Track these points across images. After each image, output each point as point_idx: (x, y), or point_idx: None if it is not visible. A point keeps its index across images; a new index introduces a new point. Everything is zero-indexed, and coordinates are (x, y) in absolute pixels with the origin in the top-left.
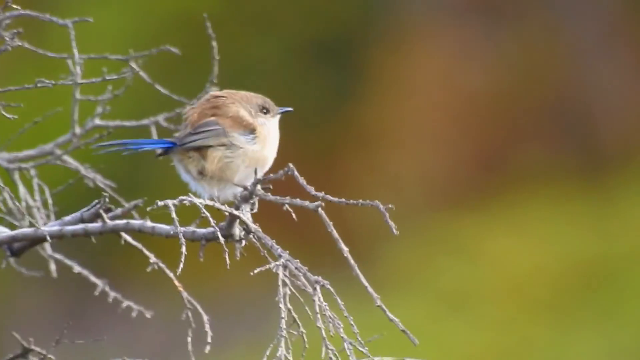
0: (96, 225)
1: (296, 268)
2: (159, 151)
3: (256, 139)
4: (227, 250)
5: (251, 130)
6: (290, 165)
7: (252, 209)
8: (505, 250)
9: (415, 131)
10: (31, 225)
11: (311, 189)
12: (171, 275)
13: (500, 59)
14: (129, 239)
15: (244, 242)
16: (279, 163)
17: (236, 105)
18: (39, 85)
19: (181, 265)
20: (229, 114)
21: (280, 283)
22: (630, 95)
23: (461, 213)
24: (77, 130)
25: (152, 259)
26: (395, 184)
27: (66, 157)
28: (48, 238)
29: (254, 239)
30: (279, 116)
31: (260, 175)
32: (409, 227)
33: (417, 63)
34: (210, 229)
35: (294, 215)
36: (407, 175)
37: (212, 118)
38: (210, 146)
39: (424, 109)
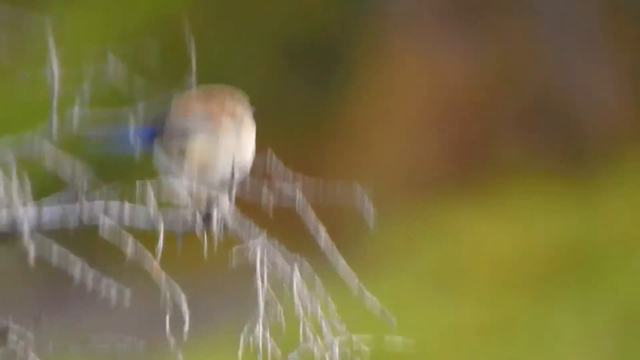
0: (74, 207)
1: (274, 247)
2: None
3: (240, 131)
4: (205, 239)
5: (236, 122)
6: (269, 150)
7: (230, 198)
8: (487, 234)
9: (396, 130)
10: (9, 213)
11: (287, 173)
12: (150, 264)
13: (479, 59)
14: (107, 221)
15: (222, 230)
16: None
17: (229, 101)
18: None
19: (159, 255)
20: (219, 104)
21: (257, 262)
22: (610, 91)
23: (440, 200)
24: (56, 119)
25: (130, 248)
26: (376, 183)
27: (45, 146)
28: (26, 228)
29: (232, 228)
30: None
31: (238, 164)
32: (389, 217)
33: (396, 62)
34: (188, 218)
35: (270, 199)
36: (390, 167)
37: (199, 110)
38: (193, 135)
39: (405, 108)
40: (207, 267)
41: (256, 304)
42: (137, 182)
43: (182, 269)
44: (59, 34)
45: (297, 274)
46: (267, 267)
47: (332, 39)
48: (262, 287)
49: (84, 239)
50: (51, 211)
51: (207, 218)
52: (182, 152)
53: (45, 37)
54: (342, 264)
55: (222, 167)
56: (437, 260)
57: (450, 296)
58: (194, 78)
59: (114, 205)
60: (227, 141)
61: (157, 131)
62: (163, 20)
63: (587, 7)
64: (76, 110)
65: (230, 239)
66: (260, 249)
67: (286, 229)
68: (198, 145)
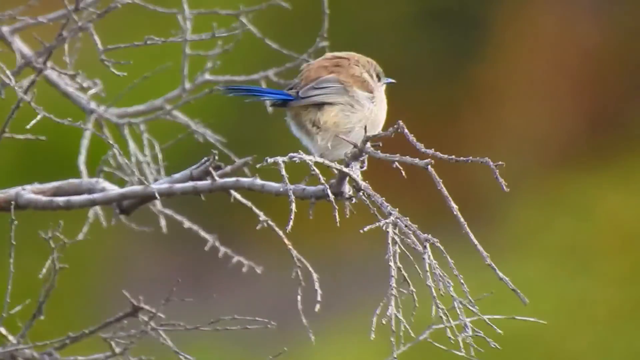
0: (205, 183)
1: (406, 226)
2: (277, 102)
3: (374, 100)
4: (336, 208)
5: (370, 91)
6: (400, 122)
7: (362, 167)
8: (622, 209)
9: (532, 90)
10: (140, 182)
11: (421, 146)
12: (280, 233)
13: (615, 13)
14: (238, 196)
15: (353, 199)
16: (392, 123)
17: (358, 66)
18: (148, 42)
19: (290, 223)
20: (351, 73)
21: (389, 241)
22: None
23: (578, 173)
24: (187, 85)
25: (262, 217)
26: (511, 144)
27: (176, 112)
28: (157, 196)
29: (363, 197)
30: (384, 85)
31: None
32: (525, 187)
33: (533, 22)
34: (320, 187)
35: (403, 173)
36: (524, 134)
37: (333, 75)
38: (326, 106)
39: (541, 67)
40: (338, 239)
41: (388, 283)
42: (267, 157)
43: (314, 240)
44: None
45: (429, 254)
46: (399, 246)
47: (467, 2)
48: (394, 267)
49: (215, 208)
50: (183, 187)
51: (339, 189)
52: (315, 123)
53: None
54: (474, 243)
55: (355, 138)
56: (569, 239)
57: (582, 275)
58: (326, 43)
59: (245, 181)
60: (360, 113)
61: (289, 99)
62: None
63: None
64: (207, 76)
65: (361, 212)
66: (393, 228)
67: (415, 204)
68: (332, 117)
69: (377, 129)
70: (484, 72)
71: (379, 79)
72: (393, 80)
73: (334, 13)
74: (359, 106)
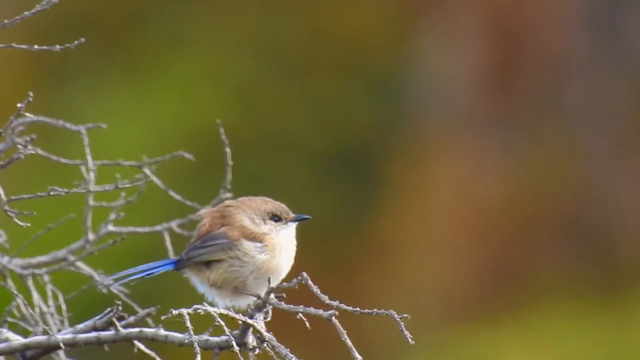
0: (109, 333)
1: None
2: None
3: (265, 248)
4: (241, 358)
5: (260, 240)
6: (304, 274)
7: (266, 317)
8: None
9: (433, 243)
10: (44, 332)
11: (325, 298)
12: None
13: (517, 170)
14: (142, 347)
15: (257, 350)
16: (294, 273)
17: (241, 214)
18: (51, 193)
19: None
20: (236, 224)
21: None
22: None
23: (478, 326)
24: (91, 236)
25: None
26: (411, 297)
27: (79, 263)
28: (62, 346)
29: (267, 347)
30: (294, 223)
31: (274, 284)
32: (426, 340)
33: (434, 175)
34: (223, 337)
35: (307, 324)
36: (424, 287)
37: (222, 230)
38: (215, 264)
39: (442, 221)
40: None
41: None
42: (172, 309)
43: None
44: (94, 145)
45: None
46: None
47: (370, 152)
48: None
49: (119, 358)
50: (86, 337)
51: (243, 339)
52: (208, 281)
53: (82, 149)
54: None
55: (251, 290)
56: None
57: None
58: (229, 194)
59: (149, 331)
60: (251, 265)
61: (173, 266)
62: (198, 131)
63: (623, 117)
64: (110, 227)
65: (266, 359)
66: None
67: (320, 354)
68: (220, 274)
69: (278, 275)
70: (384, 224)
71: (279, 220)
72: (306, 216)
73: (237, 163)
74: (247, 258)
